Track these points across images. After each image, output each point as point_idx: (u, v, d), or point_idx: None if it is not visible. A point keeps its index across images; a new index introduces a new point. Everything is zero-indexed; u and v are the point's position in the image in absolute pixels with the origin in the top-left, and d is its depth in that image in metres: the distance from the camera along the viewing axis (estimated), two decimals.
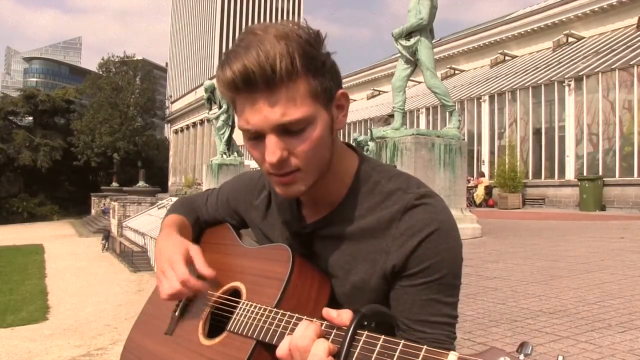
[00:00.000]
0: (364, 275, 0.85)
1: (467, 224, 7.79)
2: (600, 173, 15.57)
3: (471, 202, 17.07)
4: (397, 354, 0.63)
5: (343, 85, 0.86)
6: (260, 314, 0.82)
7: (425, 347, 0.61)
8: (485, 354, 0.57)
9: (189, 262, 0.93)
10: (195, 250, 0.96)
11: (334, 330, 0.71)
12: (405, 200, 0.83)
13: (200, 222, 1.14)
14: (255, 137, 0.79)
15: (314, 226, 0.90)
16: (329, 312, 0.72)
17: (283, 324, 0.78)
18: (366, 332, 0.67)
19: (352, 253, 0.86)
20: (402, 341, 0.64)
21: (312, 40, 0.77)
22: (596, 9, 20.25)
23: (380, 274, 0.84)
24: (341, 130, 0.88)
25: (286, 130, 0.77)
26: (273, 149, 0.77)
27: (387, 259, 0.82)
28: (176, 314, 0.99)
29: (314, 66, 0.77)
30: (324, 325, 0.72)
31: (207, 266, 0.92)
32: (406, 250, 0.81)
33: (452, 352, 0.59)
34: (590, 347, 2.74)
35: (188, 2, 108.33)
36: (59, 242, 20.08)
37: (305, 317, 0.76)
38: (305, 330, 0.71)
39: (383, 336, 0.66)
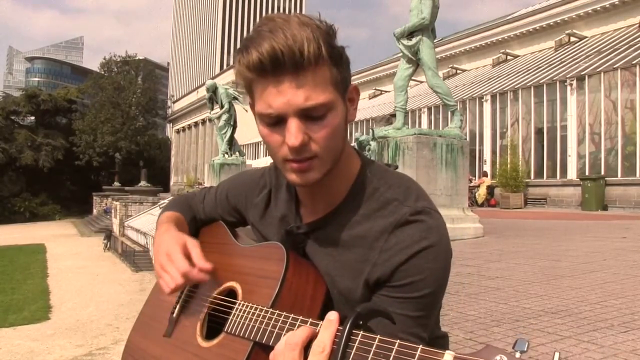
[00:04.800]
0: (351, 284, 0.85)
1: (469, 223, 7.77)
2: (603, 173, 15.54)
3: (473, 202, 17.06)
4: (393, 353, 0.62)
5: None
6: (256, 314, 0.82)
7: (421, 346, 0.61)
8: (481, 353, 0.56)
9: (187, 256, 0.92)
10: (192, 244, 0.94)
11: None
12: (400, 214, 0.83)
13: (196, 221, 1.12)
14: (275, 122, 0.78)
15: (309, 227, 0.90)
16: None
17: (279, 324, 0.77)
18: (362, 332, 0.66)
19: (340, 260, 0.86)
20: (398, 341, 0.63)
21: (330, 32, 0.78)
22: (598, 9, 20.21)
23: (364, 284, 0.84)
24: None
25: (308, 115, 0.77)
26: (295, 132, 0.76)
27: (373, 270, 0.82)
28: (174, 315, 0.99)
29: (335, 55, 0.78)
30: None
31: (204, 260, 0.91)
32: (392, 265, 0.80)
33: (448, 351, 0.59)
34: (593, 347, 2.73)
35: (190, 1, 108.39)
36: (60, 241, 20.10)
37: (300, 317, 0.75)
38: (293, 333, 0.70)
39: (379, 336, 0.65)
